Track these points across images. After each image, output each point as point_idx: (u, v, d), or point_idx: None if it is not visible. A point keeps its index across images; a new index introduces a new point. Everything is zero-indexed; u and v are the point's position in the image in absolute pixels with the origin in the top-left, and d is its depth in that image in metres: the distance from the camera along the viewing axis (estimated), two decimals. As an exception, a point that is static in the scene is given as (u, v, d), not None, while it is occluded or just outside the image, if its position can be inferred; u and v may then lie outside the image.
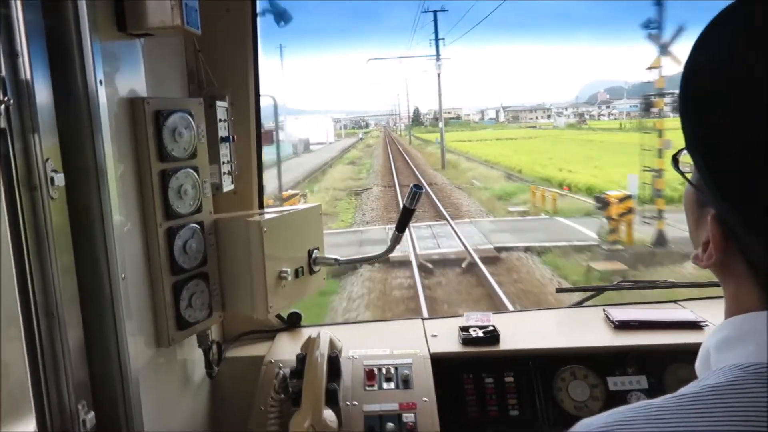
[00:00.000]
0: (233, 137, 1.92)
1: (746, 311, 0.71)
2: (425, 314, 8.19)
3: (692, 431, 0.63)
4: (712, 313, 2.11)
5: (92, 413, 1.31)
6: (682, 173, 0.78)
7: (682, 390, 0.70)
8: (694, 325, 2.01)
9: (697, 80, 0.70)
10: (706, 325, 2.01)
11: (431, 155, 46.80)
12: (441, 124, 39.98)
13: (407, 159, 43.38)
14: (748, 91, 0.64)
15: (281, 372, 1.72)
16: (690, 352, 1.89)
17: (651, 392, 1.83)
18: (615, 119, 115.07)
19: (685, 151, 0.73)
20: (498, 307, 8.18)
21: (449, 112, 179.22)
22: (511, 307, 7.88)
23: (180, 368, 1.76)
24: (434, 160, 39.99)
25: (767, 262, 0.68)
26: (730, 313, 0.75)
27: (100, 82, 1.33)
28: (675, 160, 0.80)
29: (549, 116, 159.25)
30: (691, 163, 0.72)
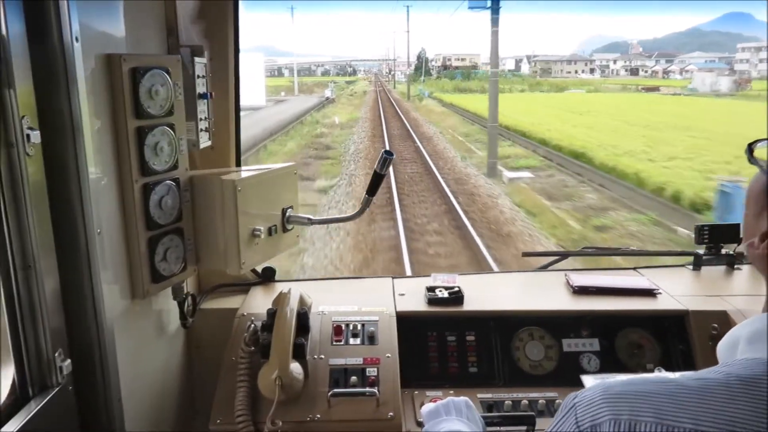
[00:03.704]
0: (211, 93, 1.93)
1: None
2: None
3: (717, 416, 0.66)
4: (667, 281, 2.22)
5: (69, 360, 1.38)
6: (756, 162, 0.80)
7: (702, 373, 0.72)
8: (648, 293, 2.12)
9: None
10: (660, 293, 2.12)
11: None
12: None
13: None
14: None
15: (252, 325, 1.80)
16: (641, 317, 2.02)
17: (602, 354, 1.95)
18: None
19: (761, 143, 0.75)
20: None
21: (463, 59, 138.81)
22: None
23: (155, 318, 1.83)
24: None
25: None
26: None
27: (76, 38, 1.34)
28: (750, 149, 0.82)
29: (592, 70, 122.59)
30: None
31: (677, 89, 64.31)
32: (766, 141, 0.79)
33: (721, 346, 0.82)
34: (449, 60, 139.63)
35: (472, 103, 41.01)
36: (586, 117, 31.92)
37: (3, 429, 1.20)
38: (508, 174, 16.17)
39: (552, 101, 47.84)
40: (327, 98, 49.74)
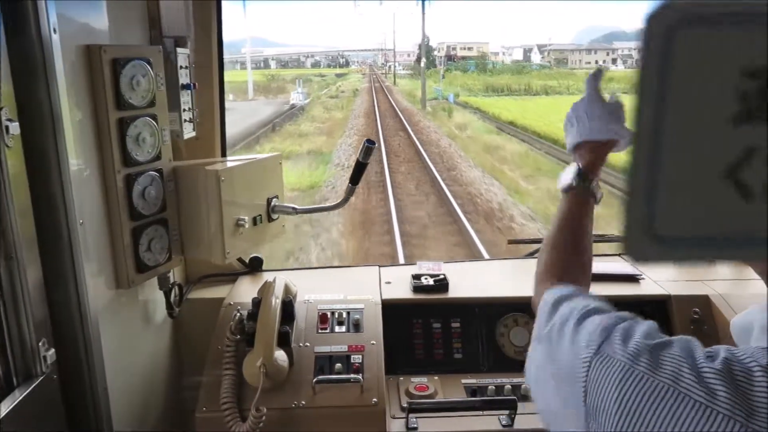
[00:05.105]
0: (194, 84, 1.93)
1: None
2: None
3: (734, 396, 0.64)
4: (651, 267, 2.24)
5: (53, 350, 1.39)
6: None
7: (721, 349, 0.71)
8: (631, 278, 2.14)
9: None
10: (642, 278, 2.14)
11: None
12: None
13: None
14: None
15: (238, 314, 1.81)
16: (624, 303, 2.03)
17: None
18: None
19: None
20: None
21: (470, 48, 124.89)
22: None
23: (142, 308, 1.84)
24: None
25: None
26: None
27: (54, 29, 1.34)
28: None
29: (614, 61, 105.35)
30: None
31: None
32: None
33: (736, 325, 0.81)
34: (454, 49, 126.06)
35: (547, 117, 20.41)
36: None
37: (-13, 417, 1.22)
38: None
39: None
40: (292, 106, 31.03)
